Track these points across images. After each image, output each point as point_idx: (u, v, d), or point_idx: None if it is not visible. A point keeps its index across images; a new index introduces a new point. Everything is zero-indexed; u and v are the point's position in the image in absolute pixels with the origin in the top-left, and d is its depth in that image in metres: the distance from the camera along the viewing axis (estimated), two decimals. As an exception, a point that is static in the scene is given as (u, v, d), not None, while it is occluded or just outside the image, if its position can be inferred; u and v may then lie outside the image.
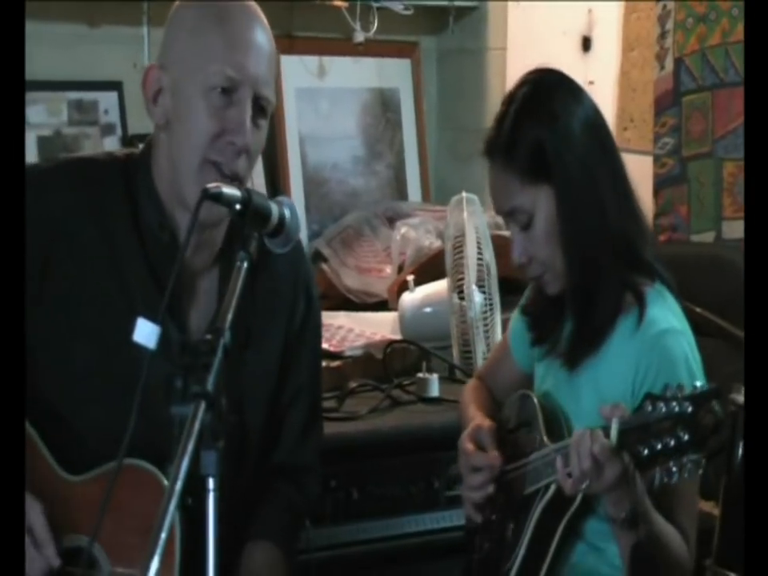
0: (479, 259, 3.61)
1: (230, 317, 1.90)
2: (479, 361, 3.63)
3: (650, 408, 2.17)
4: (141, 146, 3.44)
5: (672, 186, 4.39)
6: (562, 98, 2.58)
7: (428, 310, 3.74)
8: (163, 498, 2.06)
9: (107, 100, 3.87)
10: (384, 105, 4.68)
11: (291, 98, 4.37)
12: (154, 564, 1.70)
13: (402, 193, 4.64)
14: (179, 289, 2.30)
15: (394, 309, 3.87)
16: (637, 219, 2.61)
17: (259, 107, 2.26)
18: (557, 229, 2.52)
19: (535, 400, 2.63)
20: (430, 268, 3.88)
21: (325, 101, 4.47)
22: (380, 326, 3.79)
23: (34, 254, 2.23)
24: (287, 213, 2.10)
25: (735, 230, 4.24)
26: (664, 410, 2.14)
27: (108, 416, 2.23)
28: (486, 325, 3.61)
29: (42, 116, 3.72)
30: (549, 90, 2.60)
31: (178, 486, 1.75)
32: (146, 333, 2.10)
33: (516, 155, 2.52)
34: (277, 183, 4.27)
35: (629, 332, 2.51)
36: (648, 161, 4.42)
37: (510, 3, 4.74)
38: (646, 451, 2.15)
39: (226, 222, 2.32)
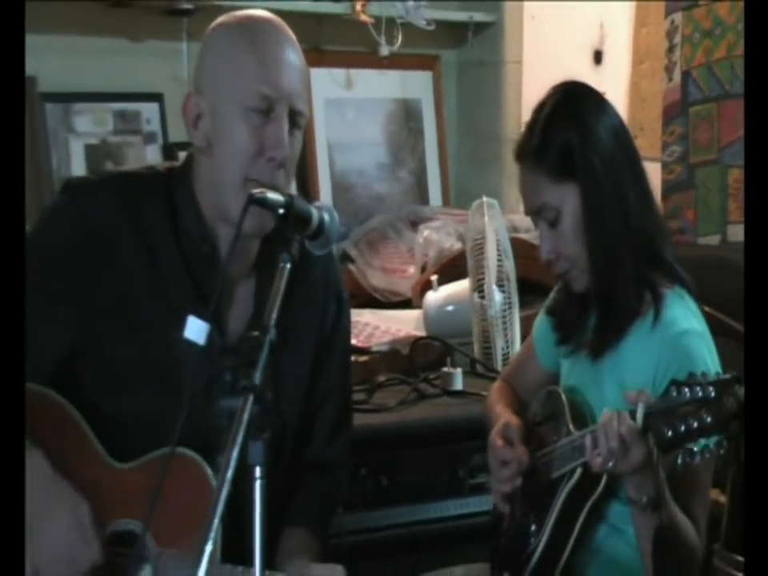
0: (498, 260, 3.61)
1: (274, 315, 1.90)
2: (498, 356, 3.64)
3: (675, 393, 2.17)
4: (180, 155, 3.56)
5: (680, 191, 4.38)
6: (589, 106, 2.60)
7: (450, 308, 3.73)
8: (204, 482, 2.14)
9: (149, 110, 3.86)
10: (407, 114, 4.67)
11: (320, 109, 4.36)
12: (208, 548, 1.73)
13: (423, 197, 4.63)
14: (221, 295, 2.26)
15: (418, 307, 3.86)
16: (657, 221, 2.61)
17: (294, 121, 2.24)
18: (582, 226, 2.51)
19: (562, 394, 2.62)
20: (451, 268, 3.88)
21: (351, 111, 4.46)
22: (404, 323, 3.78)
23: (81, 262, 2.24)
24: (326, 217, 2.09)
25: (740, 233, 4.21)
26: (688, 394, 2.15)
27: (150, 409, 2.24)
28: (504, 322, 3.60)
29: (88, 126, 3.70)
30: (577, 99, 2.61)
31: (229, 474, 1.76)
32: (195, 330, 2.11)
33: (546, 156, 2.51)
34: (306, 188, 4.24)
35: (647, 330, 2.49)
36: (657, 167, 4.38)
37: (525, 18, 4.73)
38: (670, 433, 2.16)
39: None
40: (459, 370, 3.43)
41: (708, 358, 2.45)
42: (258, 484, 1.80)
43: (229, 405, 1.85)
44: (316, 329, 2.43)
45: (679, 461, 2.21)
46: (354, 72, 4.44)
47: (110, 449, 2.25)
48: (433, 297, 3.77)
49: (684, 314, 2.52)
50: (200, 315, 2.20)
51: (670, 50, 4.38)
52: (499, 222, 3.65)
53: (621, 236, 2.53)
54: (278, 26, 2.29)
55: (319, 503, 2.45)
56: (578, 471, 2.45)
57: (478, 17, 4.69)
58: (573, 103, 2.61)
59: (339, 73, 4.44)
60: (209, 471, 2.16)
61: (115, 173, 2.48)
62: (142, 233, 2.28)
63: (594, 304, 2.61)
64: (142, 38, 3.82)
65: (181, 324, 2.19)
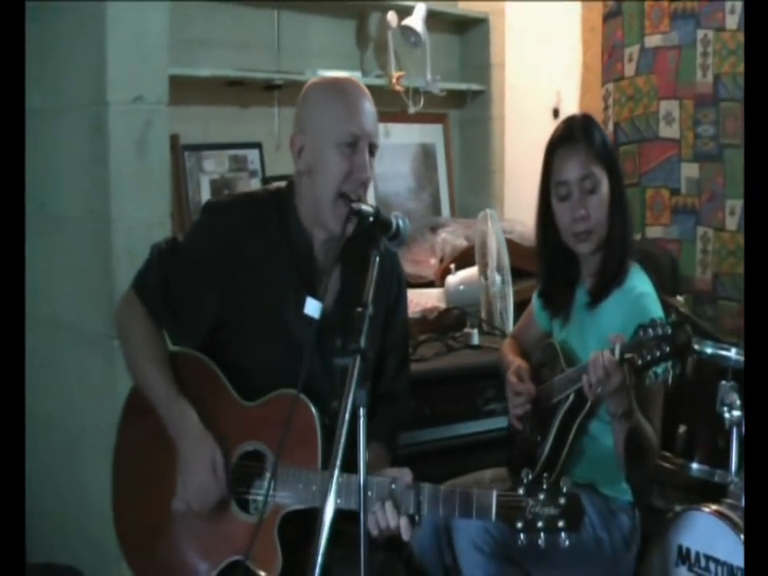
0: (497, 253, 3.62)
1: (371, 295, 1.87)
2: (497, 318, 3.62)
3: (641, 334, 2.20)
4: (277, 183, 3.53)
5: (613, 204, 4.33)
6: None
7: (462, 287, 3.65)
8: (308, 414, 2.09)
9: (252, 155, 3.76)
10: (426, 155, 4.56)
11: (368, 151, 4.29)
12: (336, 472, 1.70)
13: (438, 211, 4.54)
14: (316, 280, 2.24)
15: (439, 286, 3.79)
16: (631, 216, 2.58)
17: (371, 152, 2.20)
18: (609, 205, 2.47)
19: (556, 344, 2.57)
20: (462, 259, 3.81)
21: (389, 153, 4.34)
22: (429, 298, 3.68)
23: (222, 261, 2.19)
24: (401, 223, 2.05)
25: (653, 233, 4.19)
26: (651, 333, 2.18)
27: (269, 362, 2.20)
28: (502, 296, 3.60)
29: (212, 166, 3.62)
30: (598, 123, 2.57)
31: (346, 417, 1.72)
32: (312, 307, 2.10)
33: (592, 141, 2.46)
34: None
35: (616, 294, 2.48)
36: (597, 188, 4.37)
37: (506, 87, 4.63)
38: (640, 361, 2.19)
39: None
40: (476, 330, 3.38)
41: (657, 311, 2.42)
42: (362, 420, 1.75)
43: (341, 363, 1.83)
44: (385, 300, 2.36)
45: (648, 380, 2.27)
46: (390, 125, 4.33)
47: (240, 392, 2.19)
48: (452, 279, 3.69)
49: (641, 282, 2.49)
50: (301, 296, 2.18)
51: (605, 108, 4.29)
52: (497, 226, 3.59)
53: (628, 220, 2.52)
54: (357, 84, 2.24)
55: (389, 424, 2.37)
56: (571, 396, 2.43)
57: (474, 87, 4.61)
58: (598, 125, 2.56)
59: (380, 126, 4.32)
60: (311, 405, 2.11)
61: (241, 194, 2.41)
62: (262, 238, 2.22)
63: (589, 271, 2.56)
64: (248, 105, 3.73)
65: (291, 301, 2.19)
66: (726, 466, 2.71)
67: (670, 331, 2.17)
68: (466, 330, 3.40)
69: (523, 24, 4.58)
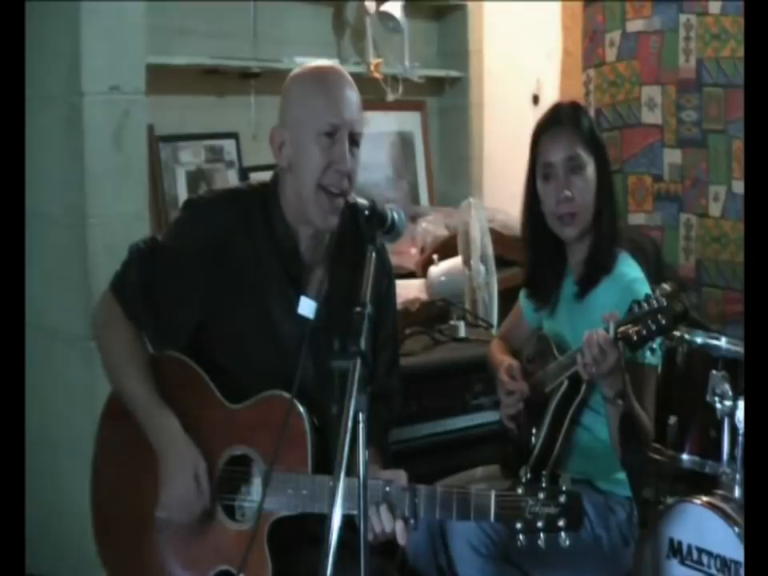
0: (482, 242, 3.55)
1: (369, 294, 1.79)
2: (480, 309, 3.57)
3: (636, 309, 2.15)
4: (252, 175, 3.44)
5: (595, 192, 4.28)
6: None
7: (444, 278, 3.56)
8: (298, 417, 1.99)
9: (229, 145, 3.66)
10: (404, 143, 4.49)
11: (346, 140, 4.21)
12: (342, 477, 1.63)
13: (416, 200, 4.46)
14: (302, 277, 2.17)
15: (421, 277, 3.70)
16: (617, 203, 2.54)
17: (353, 140, 2.10)
18: (594, 188, 2.43)
19: (546, 333, 2.53)
20: (443, 249, 3.73)
21: (366, 141, 4.20)
22: (410, 289, 3.57)
23: (206, 260, 2.11)
24: (397, 216, 1.97)
25: (636, 219, 4.15)
26: (647, 307, 2.13)
27: (254, 363, 2.12)
28: (486, 286, 3.54)
29: (188, 157, 3.53)
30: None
31: (350, 422, 1.64)
32: (307, 307, 2.03)
33: (580, 125, 2.45)
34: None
35: (606, 281, 2.44)
36: (579, 175, 4.32)
37: (485, 74, 4.57)
38: (635, 337, 2.14)
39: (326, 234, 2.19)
40: (462, 323, 3.31)
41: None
42: (362, 426, 1.66)
43: (339, 365, 1.74)
44: (376, 296, 2.28)
45: (644, 357, 2.27)
46: (369, 113, 4.27)
47: (224, 394, 2.10)
48: (434, 270, 3.59)
49: (630, 268, 2.45)
50: (288, 294, 2.12)
51: (586, 94, 4.23)
52: (482, 215, 3.54)
53: (615, 207, 2.48)
54: (338, 71, 2.15)
55: (381, 424, 2.29)
56: (565, 383, 2.37)
57: (453, 73, 4.54)
58: (586, 111, 2.55)
59: (359, 115, 4.27)
60: (301, 409, 2.02)
61: (223, 190, 2.30)
62: (247, 236, 2.13)
63: (576, 260, 2.52)
64: (225, 94, 3.64)
65: (277, 300, 2.12)
66: (717, 456, 2.67)
67: (665, 303, 2.12)
68: (452, 322, 3.34)
69: (502, 10, 4.51)
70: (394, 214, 1.99)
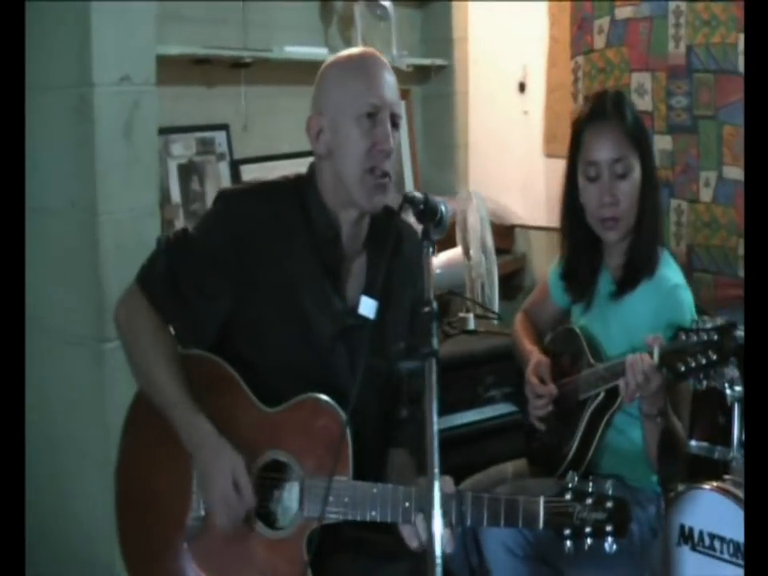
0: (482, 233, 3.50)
1: (432, 292, 1.73)
2: (480, 298, 3.54)
3: (684, 337, 2.10)
4: (242, 168, 3.35)
5: (585, 179, 4.25)
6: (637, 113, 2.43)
7: (443, 269, 3.49)
8: (337, 421, 1.92)
9: (220, 137, 3.56)
10: (390, 132, 4.47)
11: (333, 130, 4.13)
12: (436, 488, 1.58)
13: (401, 188, 4.35)
14: (341, 270, 2.10)
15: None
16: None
17: (394, 122, 2.04)
18: (640, 190, 2.34)
19: (578, 332, 2.45)
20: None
21: None
22: None
23: (238, 253, 2.03)
24: (444, 209, 1.90)
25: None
26: (695, 338, 2.08)
27: (287, 361, 2.04)
28: (489, 275, 3.49)
29: (180, 150, 3.41)
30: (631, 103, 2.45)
31: (435, 423, 1.63)
32: (368, 307, 1.96)
33: (626, 119, 2.32)
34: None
35: (647, 283, 2.35)
36: (567, 164, 4.29)
37: (470, 62, 4.53)
38: (683, 368, 2.09)
39: (368, 219, 2.12)
40: (471, 315, 3.27)
41: (690, 305, 2.32)
42: (435, 428, 1.65)
43: (408, 366, 1.69)
44: (411, 292, 2.18)
45: (690, 387, 2.23)
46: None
47: (261, 397, 2.01)
48: (434, 261, 3.55)
49: (673, 272, 2.38)
50: (325, 287, 2.05)
51: (575, 81, 4.19)
52: (481, 205, 3.49)
53: (659, 206, 2.40)
54: (375, 54, 2.09)
55: (410, 426, 2.21)
56: (602, 394, 2.32)
57: (438, 62, 4.48)
58: (630, 102, 2.43)
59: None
60: (341, 412, 1.94)
61: (256, 182, 2.20)
62: (282, 227, 2.05)
63: (613, 258, 2.44)
64: (215, 85, 3.54)
65: (313, 293, 2.04)
66: (725, 442, 2.65)
67: (716, 337, 2.07)
68: (462, 314, 3.28)
69: (488, -4, 4.46)
70: (442, 207, 1.93)
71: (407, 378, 1.70)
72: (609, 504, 1.82)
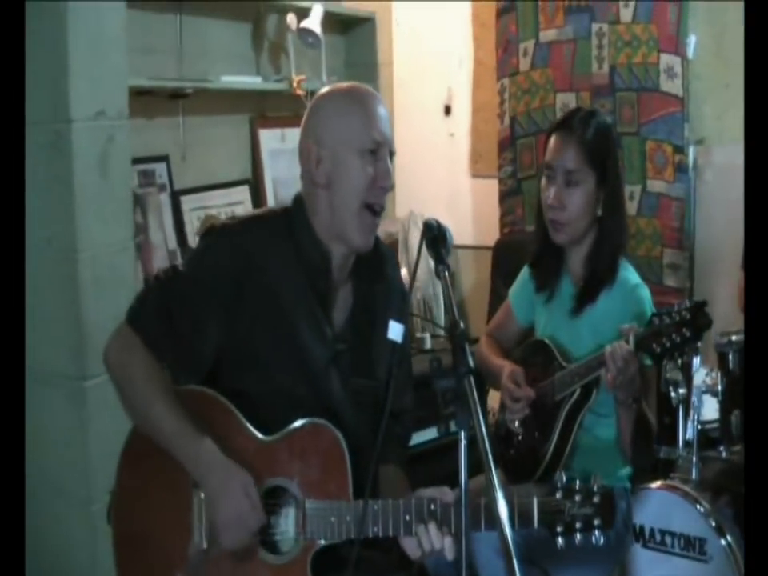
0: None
1: (456, 312, 1.78)
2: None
3: (657, 322, 2.24)
4: (182, 198, 3.33)
5: (512, 197, 4.36)
6: (613, 135, 2.61)
7: None
8: (337, 445, 1.97)
9: (160, 168, 3.55)
10: (320, 157, 4.50)
11: (267, 157, 4.13)
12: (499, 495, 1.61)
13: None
14: (330, 297, 2.13)
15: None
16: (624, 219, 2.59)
17: (391, 159, 2.08)
18: (590, 202, 2.47)
19: (547, 341, 2.57)
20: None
21: (285, 157, 4.20)
22: None
23: (230, 287, 2.03)
24: (449, 234, 1.94)
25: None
26: (668, 320, 2.22)
27: (281, 386, 2.05)
28: (434, 295, 3.54)
29: (122, 183, 3.45)
30: (608, 123, 2.60)
31: (486, 440, 1.65)
32: (396, 331, 1.99)
33: (586, 136, 2.46)
34: (261, 210, 4.05)
35: (609, 287, 2.50)
36: (494, 182, 4.39)
37: (395, 86, 4.63)
38: (659, 349, 2.23)
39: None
40: (428, 335, 3.34)
41: (650, 302, 2.50)
42: (463, 444, 1.70)
43: (444, 384, 1.74)
44: (393, 315, 2.18)
45: (667, 370, 2.49)
46: (287, 130, 4.24)
47: (254, 425, 2.03)
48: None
49: (631, 273, 2.53)
50: (317, 315, 2.08)
51: (501, 103, 4.32)
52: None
53: (620, 222, 2.53)
54: (371, 90, 2.14)
55: (399, 444, 2.29)
56: (577, 392, 2.44)
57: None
58: (606, 121, 2.57)
59: (277, 132, 4.20)
60: (340, 436, 1.98)
61: (246, 217, 2.21)
62: (272, 260, 2.07)
63: (573, 262, 2.57)
64: (154, 116, 3.53)
65: (305, 321, 2.07)
66: (670, 443, 2.79)
67: (688, 316, 2.19)
68: (418, 335, 3.34)
69: (412, 21, 4.58)
70: (447, 231, 1.98)
71: (442, 397, 1.74)
72: (596, 499, 1.91)
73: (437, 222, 1.94)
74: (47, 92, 2.41)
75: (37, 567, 2.71)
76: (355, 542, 1.94)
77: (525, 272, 2.76)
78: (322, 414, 2.02)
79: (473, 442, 3.05)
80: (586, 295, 2.52)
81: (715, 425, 2.78)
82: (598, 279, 2.51)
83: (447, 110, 4.51)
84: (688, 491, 2.56)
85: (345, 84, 2.16)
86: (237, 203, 3.94)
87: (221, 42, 3.85)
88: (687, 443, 2.69)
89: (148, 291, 2.10)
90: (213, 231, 2.13)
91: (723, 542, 2.48)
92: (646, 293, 2.50)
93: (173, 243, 3.58)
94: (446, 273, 1.88)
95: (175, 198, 3.64)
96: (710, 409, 2.80)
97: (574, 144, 2.47)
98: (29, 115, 2.45)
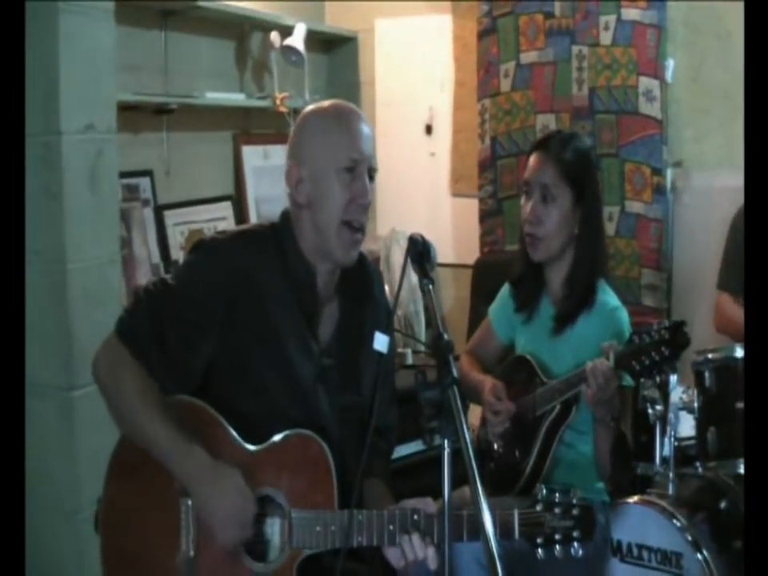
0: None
1: (441, 325, 1.82)
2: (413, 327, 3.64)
3: (636, 340, 2.29)
4: (165, 213, 3.36)
5: (492, 216, 4.41)
6: (593, 159, 2.69)
7: None
8: (322, 456, 2.01)
9: (144, 183, 3.58)
10: (302, 175, 4.55)
11: (250, 173, 4.18)
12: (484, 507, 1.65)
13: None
14: (316, 312, 2.17)
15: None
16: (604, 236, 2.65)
17: (371, 176, 2.12)
18: (566, 220, 2.53)
19: (529, 357, 2.62)
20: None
21: (267, 175, 4.26)
22: None
23: (219, 301, 2.07)
24: (432, 250, 1.98)
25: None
26: (648, 339, 2.28)
27: (268, 399, 2.09)
28: (416, 313, 3.59)
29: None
30: (589, 148, 2.69)
31: (470, 447, 1.70)
32: (381, 342, 2.03)
33: (564, 157, 2.52)
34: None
35: (589, 309, 2.55)
36: (475, 202, 4.45)
37: (377, 106, 4.68)
38: (638, 366, 2.30)
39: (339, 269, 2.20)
40: (409, 350, 3.39)
41: (628, 324, 2.55)
42: (447, 452, 1.76)
43: (430, 395, 1.79)
44: (382, 327, 2.23)
45: (647, 386, 2.48)
46: (270, 147, 4.29)
47: (244, 437, 2.06)
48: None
49: (610, 296, 2.59)
50: (303, 332, 2.12)
51: (482, 123, 4.38)
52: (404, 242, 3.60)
53: (595, 239, 2.58)
54: (353, 108, 2.17)
55: (384, 459, 2.33)
56: (557, 408, 2.50)
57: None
58: (585, 143, 2.66)
59: (260, 149, 4.25)
60: (326, 448, 2.02)
61: (234, 232, 2.21)
62: (261, 275, 2.10)
63: (552, 281, 2.63)
64: (139, 131, 3.57)
65: (292, 337, 2.11)
66: (647, 459, 2.80)
67: (667, 335, 2.26)
68: (400, 350, 3.39)
69: (394, 41, 4.64)
70: (431, 246, 2.02)
71: (428, 408, 1.79)
72: (575, 511, 1.97)
73: (421, 236, 1.97)
74: (38, 105, 2.44)
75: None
76: (340, 551, 1.98)
77: (505, 290, 2.81)
78: (308, 428, 2.05)
79: (456, 455, 3.13)
80: (565, 317, 2.57)
81: (691, 442, 2.80)
82: (576, 301, 2.56)
83: (428, 130, 4.56)
84: (665, 506, 2.59)
85: (327, 102, 2.19)
86: (220, 219, 4.00)
87: (205, 58, 3.92)
88: (664, 459, 2.71)
89: (137, 303, 2.12)
90: (202, 245, 2.16)
91: (699, 556, 2.50)
92: (624, 315, 2.55)
93: (156, 257, 3.62)
94: (430, 287, 1.92)
95: (159, 212, 3.68)
96: (686, 426, 2.82)
97: (551, 161, 2.54)
98: (20, 127, 2.50)
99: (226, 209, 4.04)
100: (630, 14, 3.96)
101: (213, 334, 2.08)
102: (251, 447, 2.06)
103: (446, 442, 1.75)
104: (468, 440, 1.70)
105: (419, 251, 1.97)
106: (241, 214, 4.14)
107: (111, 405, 2.09)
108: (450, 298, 4.52)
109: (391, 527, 1.98)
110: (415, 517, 1.99)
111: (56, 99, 2.41)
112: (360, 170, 2.09)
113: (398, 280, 3.40)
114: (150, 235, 3.62)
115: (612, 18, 3.99)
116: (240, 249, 2.12)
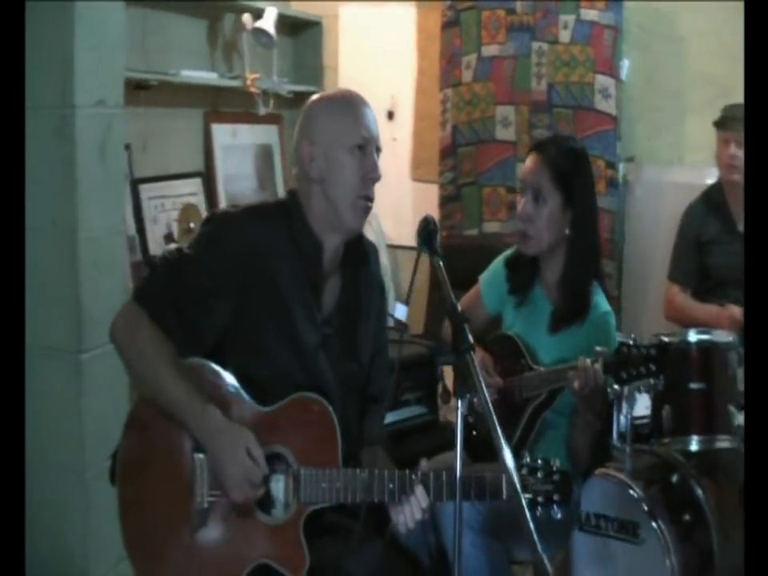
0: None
1: (453, 298, 2.03)
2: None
3: (626, 351, 2.46)
4: (141, 186, 3.47)
5: (452, 202, 4.62)
6: (587, 159, 2.77)
7: None
8: (328, 417, 2.19)
9: (122, 156, 3.74)
10: (266, 154, 4.66)
11: (219, 151, 4.31)
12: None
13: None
14: (322, 284, 2.34)
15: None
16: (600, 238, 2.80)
17: (378, 155, 2.31)
18: (556, 219, 2.67)
19: (517, 339, 2.77)
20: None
21: (235, 153, 4.41)
22: None
23: (233, 271, 2.22)
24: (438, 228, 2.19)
25: (492, 227, 4.58)
26: (636, 353, 2.45)
27: (276, 366, 2.26)
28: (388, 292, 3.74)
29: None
30: (583, 149, 2.78)
31: (492, 408, 1.89)
32: (401, 312, 2.19)
33: (556, 162, 2.66)
34: (213, 204, 4.19)
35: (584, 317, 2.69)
36: (435, 187, 4.67)
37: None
38: (625, 375, 2.46)
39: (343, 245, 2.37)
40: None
41: (615, 327, 2.73)
42: (460, 411, 1.93)
43: (444, 361, 1.97)
44: (375, 306, 2.47)
45: (627, 392, 2.60)
46: (238, 126, 4.41)
47: (256, 398, 2.23)
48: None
49: (602, 300, 2.75)
50: (309, 302, 2.30)
51: (443, 112, 4.59)
52: (377, 224, 3.77)
53: (588, 240, 2.72)
54: (359, 95, 2.37)
55: (379, 426, 2.49)
56: (544, 395, 2.68)
57: (311, 89, 4.63)
58: (578, 147, 2.77)
59: (228, 128, 4.37)
60: (330, 409, 2.19)
61: (245, 207, 2.37)
62: (272, 247, 2.26)
63: (547, 271, 2.77)
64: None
65: (299, 307, 2.29)
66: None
67: (654, 353, 2.45)
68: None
69: (358, 28, 4.81)
70: (439, 227, 2.23)
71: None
72: (555, 477, 2.15)
73: (431, 217, 2.17)
74: (54, 78, 2.57)
75: (30, 533, 2.83)
76: (341, 508, 2.17)
77: (500, 263, 2.93)
78: (313, 392, 2.22)
79: (431, 426, 3.34)
80: (561, 320, 2.73)
81: (646, 420, 2.96)
82: (573, 309, 2.71)
83: (390, 115, 4.74)
84: (622, 479, 2.76)
85: (334, 90, 2.43)
86: (191, 194, 4.10)
87: (180, 37, 4.03)
88: (621, 435, 2.82)
89: (154, 270, 2.27)
90: (214, 218, 2.33)
91: (655, 525, 2.67)
92: (613, 321, 2.72)
93: (131, 230, 3.71)
94: (440, 263, 2.11)
95: (134, 186, 3.76)
96: (641, 406, 2.96)
97: (545, 164, 2.69)
98: (38, 99, 2.62)
99: (197, 185, 4.15)
100: (589, 14, 4.20)
101: (226, 300, 2.23)
102: (261, 407, 2.23)
103: (459, 402, 1.91)
104: (488, 399, 1.88)
105: (430, 230, 2.16)
106: (210, 191, 4.25)
107: (130, 364, 2.23)
108: (408, 280, 4.67)
109: (391, 486, 2.16)
110: (414, 476, 2.17)
111: (71, 75, 2.54)
112: (370, 147, 2.28)
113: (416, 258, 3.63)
114: (126, 208, 3.71)
115: (571, 18, 4.23)
116: (251, 222, 2.29)
